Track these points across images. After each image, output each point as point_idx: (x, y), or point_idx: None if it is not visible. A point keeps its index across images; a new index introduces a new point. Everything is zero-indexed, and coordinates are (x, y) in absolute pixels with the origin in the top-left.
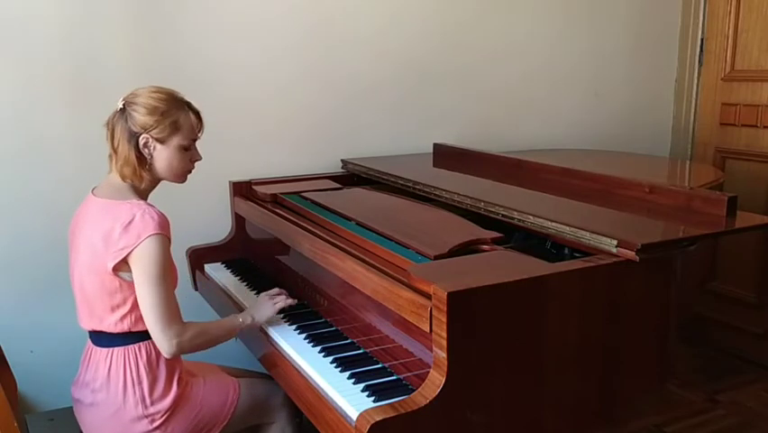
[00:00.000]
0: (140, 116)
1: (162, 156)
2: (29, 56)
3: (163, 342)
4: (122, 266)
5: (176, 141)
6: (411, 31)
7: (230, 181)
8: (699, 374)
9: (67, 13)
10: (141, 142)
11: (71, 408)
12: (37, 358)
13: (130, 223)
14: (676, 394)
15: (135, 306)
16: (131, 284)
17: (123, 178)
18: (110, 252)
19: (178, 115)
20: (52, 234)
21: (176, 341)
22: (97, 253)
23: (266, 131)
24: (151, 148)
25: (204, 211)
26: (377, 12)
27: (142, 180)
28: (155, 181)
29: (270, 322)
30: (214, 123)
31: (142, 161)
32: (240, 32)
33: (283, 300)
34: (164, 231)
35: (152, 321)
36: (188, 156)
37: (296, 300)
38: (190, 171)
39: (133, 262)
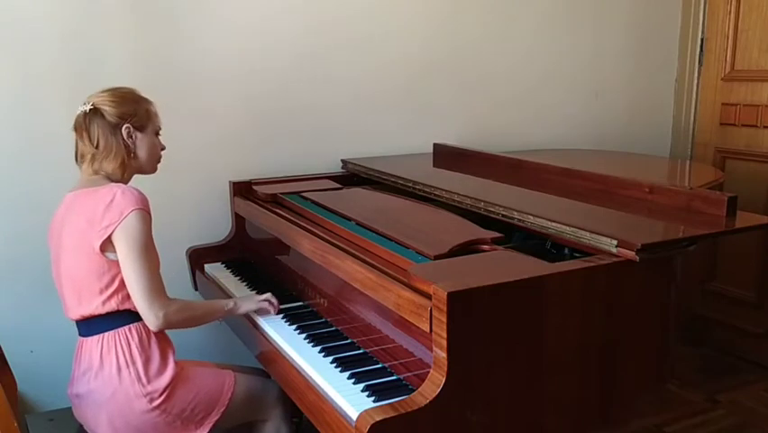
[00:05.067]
0: (114, 108)
1: (144, 143)
2: (29, 56)
3: (149, 314)
4: (107, 245)
5: (151, 127)
6: (412, 33)
7: (230, 181)
8: (699, 374)
9: (67, 13)
10: (125, 132)
11: (71, 408)
12: (37, 358)
13: (112, 201)
14: (676, 394)
15: (122, 285)
16: (117, 263)
17: (106, 173)
18: (95, 231)
19: (146, 103)
20: None
21: (161, 313)
22: (84, 235)
23: (266, 131)
24: (134, 137)
25: (204, 211)
26: (379, 14)
27: (125, 170)
28: (132, 173)
29: (270, 320)
30: (215, 122)
31: (129, 150)
32: (241, 31)
33: (269, 300)
34: (145, 206)
35: (138, 294)
36: (159, 143)
37: (277, 310)
38: (160, 160)
39: (117, 239)
